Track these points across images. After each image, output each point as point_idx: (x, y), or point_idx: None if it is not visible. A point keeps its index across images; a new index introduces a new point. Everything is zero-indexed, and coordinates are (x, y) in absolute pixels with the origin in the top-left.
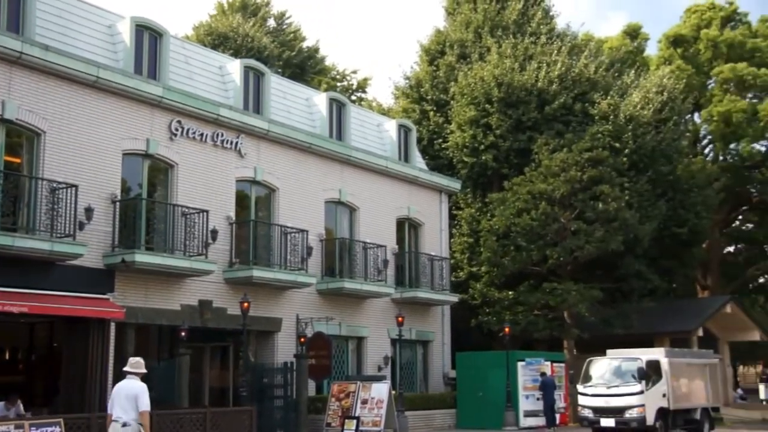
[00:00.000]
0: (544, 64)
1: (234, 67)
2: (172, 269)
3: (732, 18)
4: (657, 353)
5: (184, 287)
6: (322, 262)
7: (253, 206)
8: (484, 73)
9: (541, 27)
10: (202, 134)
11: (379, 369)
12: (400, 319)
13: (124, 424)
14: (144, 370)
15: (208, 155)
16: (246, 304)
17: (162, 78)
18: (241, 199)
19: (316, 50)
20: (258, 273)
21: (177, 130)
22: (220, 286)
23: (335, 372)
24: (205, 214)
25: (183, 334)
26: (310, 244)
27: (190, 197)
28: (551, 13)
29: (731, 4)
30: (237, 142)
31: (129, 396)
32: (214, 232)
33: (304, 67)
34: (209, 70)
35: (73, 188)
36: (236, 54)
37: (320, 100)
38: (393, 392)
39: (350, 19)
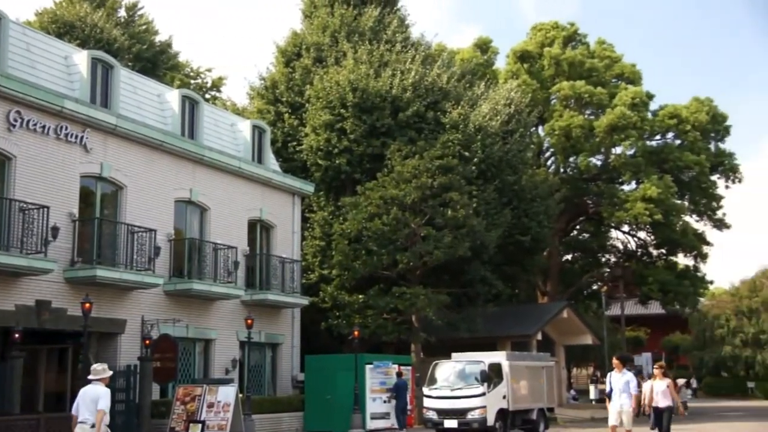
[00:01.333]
0: (399, 72)
1: (81, 58)
2: (7, 267)
3: (573, 38)
4: (499, 356)
5: (20, 286)
6: (170, 262)
7: (99, 203)
8: (339, 78)
9: (397, 35)
10: (44, 126)
11: (227, 372)
12: (249, 321)
13: (93, 425)
14: (108, 374)
15: (51, 149)
16: (88, 305)
17: (0, 65)
18: (86, 196)
19: (169, 45)
20: (102, 273)
21: (16, 120)
22: (60, 286)
23: (181, 375)
24: (45, 210)
25: (16, 336)
26: (159, 243)
27: (29, 192)
28: (407, 22)
29: (572, 25)
30: (82, 137)
31: (94, 399)
32: (55, 230)
33: (156, 62)
34: (53, 60)
35: None
36: (83, 45)
37: (173, 97)
38: (240, 395)
39: (205, 15)
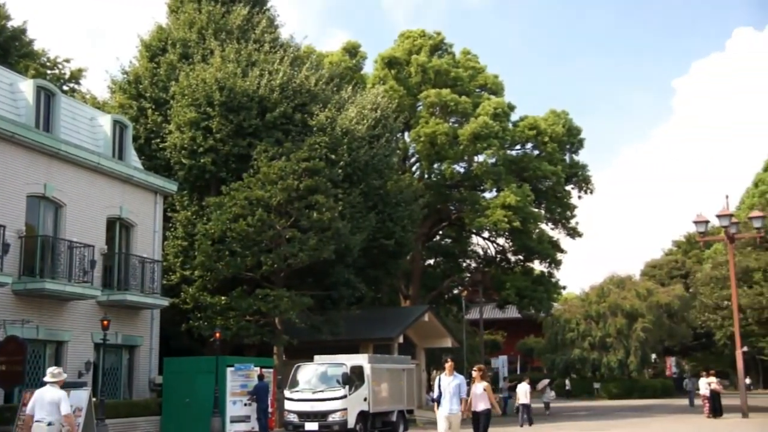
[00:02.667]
0: (267, 72)
1: None
2: None
3: (439, 47)
4: (361, 359)
5: None
6: (20, 260)
7: None
8: (206, 75)
9: (266, 35)
10: None
11: (80, 375)
12: (105, 322)
13: (50, 424)
14: (64, 376)
15: None
16: None
17: None
18: None
19: (23, 31)
20: None
21: None
22: None
23: (29, 379)
24: None
25: None
26: (8, 240)
27: None
28: (276, 23)
29: (439, 34)
30: None
31: (52, 401)
32: None
33: (8, 49)
34: None
35: None
36: None
37: (26, 87)
38: (93, 399)
39: (64, 2)
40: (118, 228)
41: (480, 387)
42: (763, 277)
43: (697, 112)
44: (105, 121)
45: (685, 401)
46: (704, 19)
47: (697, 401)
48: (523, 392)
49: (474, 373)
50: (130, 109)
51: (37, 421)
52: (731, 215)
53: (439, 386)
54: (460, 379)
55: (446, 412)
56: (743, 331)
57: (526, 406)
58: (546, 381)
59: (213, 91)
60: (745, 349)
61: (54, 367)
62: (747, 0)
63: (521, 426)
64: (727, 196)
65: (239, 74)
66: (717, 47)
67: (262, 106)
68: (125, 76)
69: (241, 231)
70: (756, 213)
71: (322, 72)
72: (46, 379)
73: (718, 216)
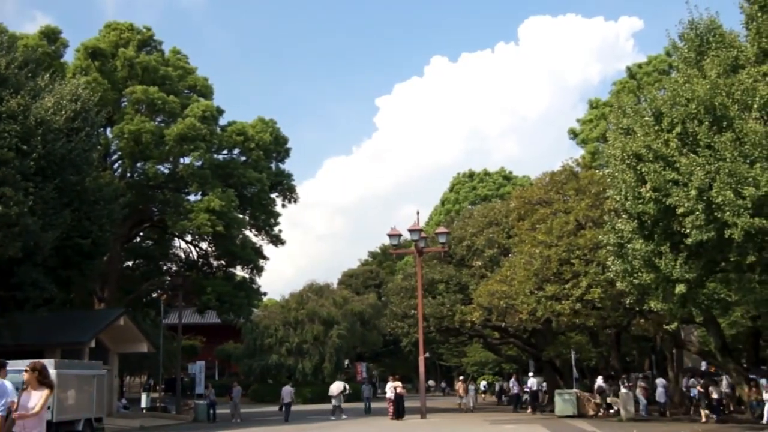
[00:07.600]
0: None
1: None
2: None
3: (148, 43)
4: (47, 365)
5: None
6: None
7: None
8: None
9: None
10: None
11: None
12: None
13: None
14: None
15: None
16: None
17: None
18: None
19: None
20: None
21: None
22: None
23: None
24: None
25: None
26: None
27: None
28: None
29: (148, 29)
30: None
31: None
32: None
33: None
34: None
35: None
36: None
37: None
38: None
39: None
40: None
41: (36, 396)
42: (445, 288)
43: (397, 131)
44: None
45: (372, 405)
46: (408, 44)
47: (379, 405)
48: (287, 393)
49: (25, 376)
50: None
51: None
52: (421, 230)
53: None
54: (1, 384)
55: None
56: (426, 338)
57: (288, 405)
58: (340, 384)
59: None
60: (427, 354)
61: None
62: (444, 32)
63: (286, 420)
64: (417, 213)
65: None
66: (417, 72)
67: None
68: None
69: None
70: (441, 229)
71: (16, 55)
72: None
73: (410, 230)
